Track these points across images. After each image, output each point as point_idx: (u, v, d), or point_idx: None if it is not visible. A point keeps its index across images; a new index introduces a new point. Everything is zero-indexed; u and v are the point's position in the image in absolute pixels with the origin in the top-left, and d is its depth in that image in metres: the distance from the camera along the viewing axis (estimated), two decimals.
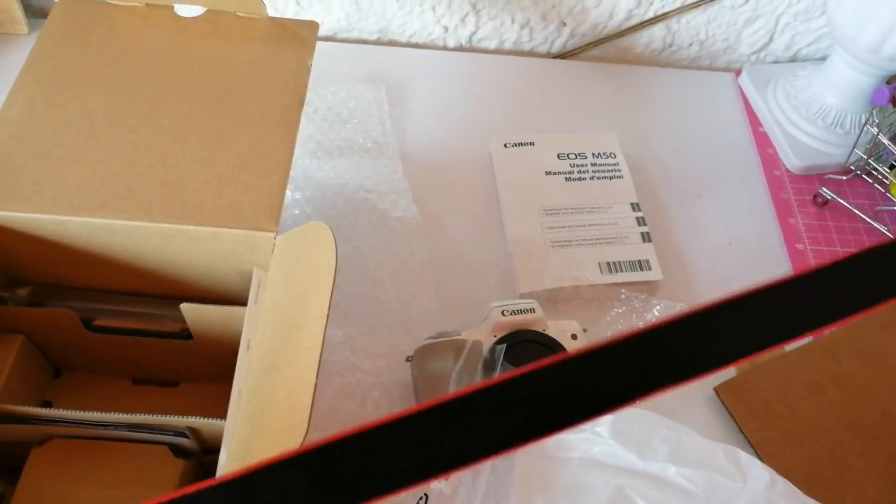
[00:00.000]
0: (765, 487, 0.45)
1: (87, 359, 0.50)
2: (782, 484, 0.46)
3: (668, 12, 0.76)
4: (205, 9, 0.51)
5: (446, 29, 0.78)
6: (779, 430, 0.55)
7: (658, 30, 0.78)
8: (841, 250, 0.66)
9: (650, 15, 0.76)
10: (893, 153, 0.62)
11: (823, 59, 0.78)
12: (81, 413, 0.40)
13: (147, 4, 0.51)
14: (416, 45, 0.79)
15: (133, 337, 0.47)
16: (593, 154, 0.66)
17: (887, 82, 0.71)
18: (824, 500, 0.46)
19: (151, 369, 0.51)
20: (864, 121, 0.65)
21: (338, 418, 0.52)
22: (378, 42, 0.79)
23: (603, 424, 0.48)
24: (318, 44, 0.51)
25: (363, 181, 0.65)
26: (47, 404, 0.51)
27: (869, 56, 0.65)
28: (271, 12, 0.74)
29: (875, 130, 0.62)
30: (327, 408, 0.52)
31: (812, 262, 0.65)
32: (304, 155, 0.66)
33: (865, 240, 0.67)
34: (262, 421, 0.34)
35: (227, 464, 0.35)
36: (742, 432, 0.55)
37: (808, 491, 0.47)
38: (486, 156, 0.69)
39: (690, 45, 0.80)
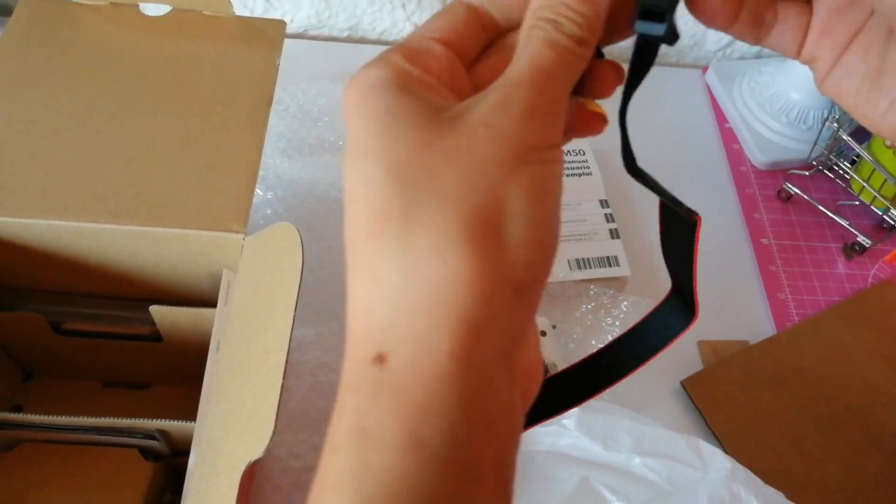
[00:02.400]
0: (725, 476, 0.47)
1: (57, 362, 0.50)
2: (742, 472, 0.47)
3: None
4: (171, 7, 0.51)
5: (416, 26, 0.78)
6: (743, 422, 0.56)
7: None
8: (804, 244, 0.67)
9: None
10: (854, 148, 0.64)
11: None
12: (51, 418, 0.40)
13: (112, 3, 0.50)
14: (386, 43, 0.79)
15: (103, 340, 0.47)
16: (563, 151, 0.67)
17: None
18: (787, 490, 0.48)
19: (122, 372, 0.51)
20: (826, 116, 0.67)
21: (309, 418, 0.52)
22: (348, 39, 0.79)
23: (569, 417, 0.49)
24: (288, 41, 0.51)
25: (334, 180, 0.65)
26: (17, 408, 0.51)
27: None
28: (241, 9, 0.74)
29: (836, 126, 0.64)
30: (299, 407, 0.52)
31: (776, 256, 0.66)
32: (275, 154, 0.66)
33: (828, 234, 0.68)
34: (230, 422, 0.35)
35: (197, 465, 0.35)
36: (708, 425, 0.56)
37: (772, 481, 0.48)
38: None
39: None
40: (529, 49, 0.20)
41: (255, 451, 0.31)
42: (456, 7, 0.23)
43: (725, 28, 0.24)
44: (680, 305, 0.34)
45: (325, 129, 0.69)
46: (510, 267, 0.19)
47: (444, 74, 0.21)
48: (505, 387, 0.19)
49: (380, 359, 0.19)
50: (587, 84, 0.24)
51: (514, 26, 0.23)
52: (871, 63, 0.24)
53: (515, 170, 0.19)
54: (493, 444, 0.19)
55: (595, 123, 0.25)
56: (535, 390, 0.24)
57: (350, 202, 0.20)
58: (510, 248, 0.19)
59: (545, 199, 0.20)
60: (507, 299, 0.19)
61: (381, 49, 0.75)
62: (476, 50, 0.23)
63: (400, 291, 0.19)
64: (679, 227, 0.29)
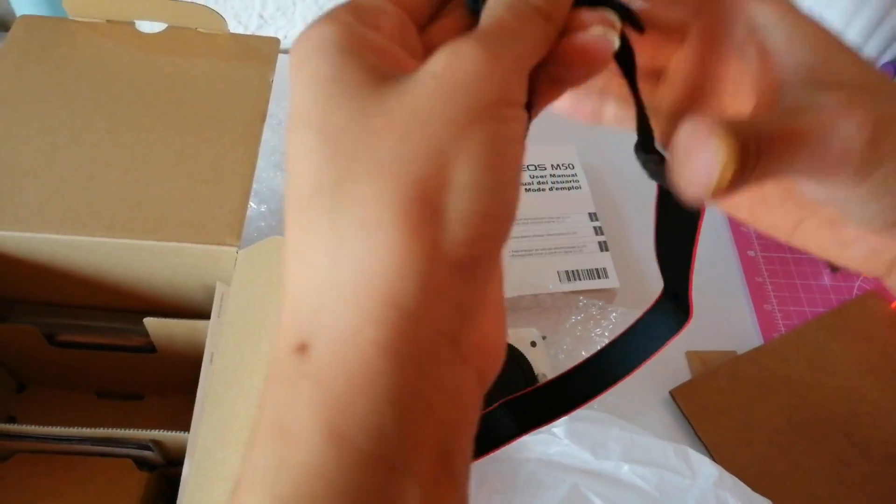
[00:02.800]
0: (713, 484, 0.47)
1: (51, 373, 0.51)
2: (729, 480, 0.48)
3: None
4: (166, 25, 0.52)
5: None
6: (731, 432, 0.57)
7: None
8: (790, 256, 0.68)
9: None
10: None
11: None
12: (45, 428, 0.41)
13: (108, 21, 0.51)
14: None
15: (97, 351, 0.48)
16: (552, 165, 0.68)
17: None
18: (775, 498, 0.48)
19: (116, 383, 0.52)
20: None
21: None
22: None
23: (559, 426, 0.49)
24: (282, 57, 0.52)
25: None
26: (11, 419, 0.51)
27: None
28: (235, 25, 0.75)
29: None
30: None
31: (763, 268, 0.67)
32: (268, 167, 0.67)
33: None
34: (224, 433, 0.35)
35: (191, 475, 0.36)
36: (696, 434, 0.57)
37: (760, 489, 0.49)
38: None
39: None
40: (490, 16, 0.19)
41: None
42: None
43: (596, 123, 0.25)
44: (672, 308, 0.33)
45: None
46: (451, 244, 0.17)
47: (396, 35, 0.20)
48: (449, 370, 0.18)
49: (301, 348, 0.17)
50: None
51: None
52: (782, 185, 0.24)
53: (465, 130, 0.17)
54: (432, 433, 0.18)
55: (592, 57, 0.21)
56: (495, 368, 0.21)
57: (288, 177, 0.18)
58: (451, 222, 0.17)
59: (497, 165, 0.17)
60: (449, 279, 0.17)
61: None
62: (429, 12, 0.21)
63: (327, 275, 0.17)
64: (679, 217, 0.28)
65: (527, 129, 0.19)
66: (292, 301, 0.18)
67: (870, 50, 0.64)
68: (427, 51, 0.20)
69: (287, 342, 0.18)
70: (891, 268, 0.23)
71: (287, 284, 0.18)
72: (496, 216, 0.18)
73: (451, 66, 0.17)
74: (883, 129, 0.19)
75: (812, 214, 0.24)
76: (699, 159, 0.18)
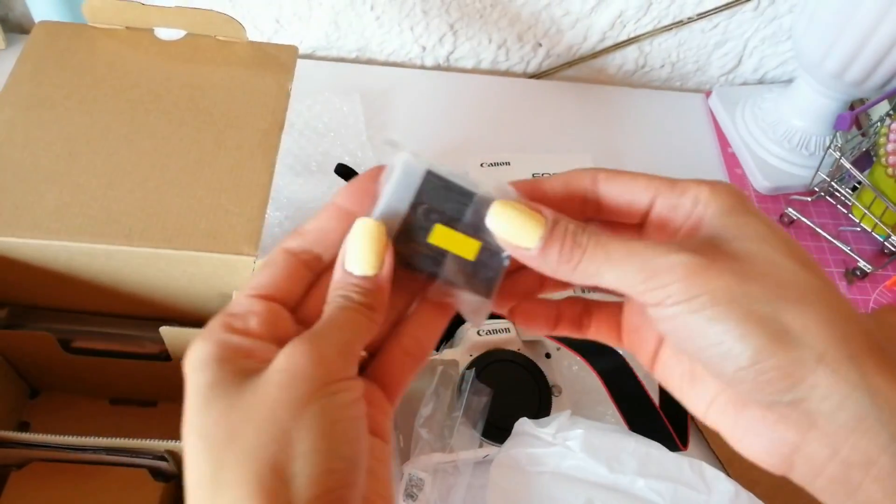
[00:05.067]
0: (729, 499, 0.47)
1: (65, 379, 0.51)
2: (745, 496, 0.47)
3: (640, 35, 0.78)
4: (185, 32, 0.52)
5: (424, 48, 0.79)
6: None
7: (631, 51, 0.80)
8: None
9: (623, 37, 0.78)
10: (855, 176, 0.65)
11: (790, 81, 0.80)
12: (60, 437, 0.41)
13: (127, 28, 0.51)
14: (394, 64, 0.80)
15: (111, 358, 0.48)
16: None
17: (850, 107, 0.73)
18: None
19: (129, 390, 0.51)
20: (828, 143, 0.67)
21: None
22: (357, 60, 0.80)
23: (574, 439, 0.49)
24: (297, 62, 0.52)
25: None
26: (24, 425, 0.51)
27: (833, 81, 0.67)
28: (251, 30, 0.75)
29: (837, 154, 0.64)
30: None
31: None
32: (284, 172, 0.67)
33: (829, 259, 0.69)
34: None
35: None
36: (711, 448, 0.56)
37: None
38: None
39: (662, 66, 0.82)
40: (326, 313, 0.24)
41: None
42: (276, 257, 0.25)
43: (549, 333, 0.29)
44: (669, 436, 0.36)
45: (332, 145, 0.70)
46: (303, 502, 0.21)
47: (265, 329, 0.24)
48: None
49: None
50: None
51: (335, 259, 0.25)
52: (685, 366, 0.26)
53: (303, 409, 0.21)
54: None
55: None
56: None
57: (185, 471, 0.22)
58: (299, 486, 0.21)
59: (334, 429, 0.22)
60: None
61: (388, 70, 0.75)
62: (302, 289, 0.25)
63: None
64: None
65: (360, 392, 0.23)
66: None
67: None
68: (304, 326, 0.24)
69: None
70: (792, 463, 0.23)
71: None
72: (337, 470, 0.21)
73: (288, 361, 0.22)
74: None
75: (722, 393, 0.25)
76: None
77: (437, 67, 0.81)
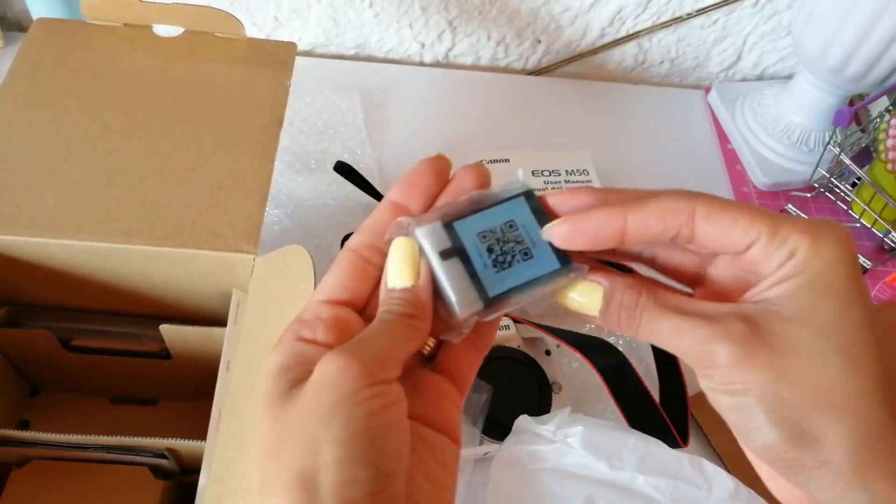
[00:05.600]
0: (729, 496, 0.47)
1: (65, 378, 0.51)
2: (746, 492, 0.47)
3: (639, 31, 0.78)
4: (183, 29, 0.52)
5: (423, 45, 0.79)
6: None
7: (630, 48, 0.80)
8: None
9: (623, 33, 0.78)
10: (855, 171, 0.65)
11: (790, 77, 0.80)
12: (61, 436, 0.41)
13: (126, 24, 0.51)
14: (393, 61, 0.80)
15: (111, 357, 0.48)
16: (567, 171, 0.68)
17: (850, 103, 0.73)
18: None
19: (129, 388, 0.51)
20: (827, 139, 0.67)
21: None
22: (355, 57, 0.80)
23: (575, 436, 0.49)
24: (296, 58, 0.52)
25: (344, 202, 0.65)
26: (24, 424, 0.51)
27: (832, 77, 0.67)
28: (250, 27, 0.75)
29: (837, 150, 0.64)
30: None
31: None
32: (282, 168, 0.67)
33: None
34: (242, 444, 0.35)
35: (208, 485, 0.35)
36: (711, 445, 0.56)
37: (775, 501, 0.48)
38: None
39: (661, 62, 0.82)
40: (371, 325, 0.25)
41: None
42: (341, 258, 0.27)
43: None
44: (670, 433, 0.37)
45: (331, 142, 0.70)
46: None
47: (333, 335, 0.25)
48: None
49: None
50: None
51: None
52: None
53: (331, 418, 0.22)
54: None
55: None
56: None
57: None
58: (323, 496, 0.21)
59: (357, 438, 0.22)
60: None
61: (387, 67, 0.75)
62: (370, 287, 0.27)
63: None
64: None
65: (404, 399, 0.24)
66: None
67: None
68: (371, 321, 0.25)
69: None
70: None
71: None
72: (360, 480, 0.22)
73: (320, 370, 0.23)
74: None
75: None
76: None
77: (436, 64, 0.81)
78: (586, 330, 0.60)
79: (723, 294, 0.26)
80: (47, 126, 0.46)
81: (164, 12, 0.51)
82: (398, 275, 0.26)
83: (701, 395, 0.59)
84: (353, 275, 0.26)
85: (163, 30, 0.52)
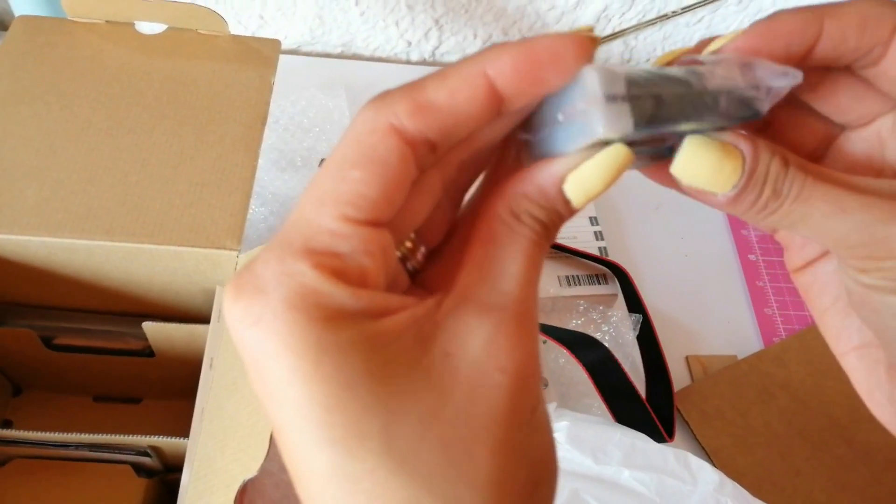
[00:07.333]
0: (714, 489, 0.47)
1: (48, 377, 0.50)
2: (730, 485, 0.48)
3: (625, 29, 0.78)
4: (166, 26, 0.51)
5: (409, 43, 0.79)
6: (732, 437, 0.57)
7: (616, 46, 0.80)
8: None
9: (608, 31, 0.78)
10: None
11: None
12: (43, 434, 0.40)
13: (108, 21, 0.51)
14: (379, 59, 0.80)
15: (94, 355, 0.47)
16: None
17: None
18: (776, 503, 0.48)
19: (113, 386, 0.51)
20: None
21: None
22: (342, 56, 0.80)
23: (560, 431, 0.49)
24: (282, 57, 0.52)
25: None
26: (7, 423, 0.51)
27: None
28: (235, 25, 0.75)
29: None
30: None
31: (763, 272, 0.67)
32: (268, 166, 0.66)
33: None
34: (224, 440, 0.35)
35: (191, 482, 0.35)
36: (697, 439, 0.57)
37: (760, 494, 0.48)
38: None
39: (647, 60, 0.82)
40: (519, 258, 0.17)
41: (250, 469, 0.31)
42: (384, 148, 0.17)
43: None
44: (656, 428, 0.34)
45: (317, 140, 0.70)
46: None
47: (371, 277, 0.16)
48: None
49: None
50: None
51: (458, 150, 0.19)
52: (842, 299, 0.22)
53: (507, 437, 0.16)
54: None
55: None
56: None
57: None
58: None
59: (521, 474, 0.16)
60: None
61: (374, 66, 0.75)
62: (406, 193, 0.17)
63: None
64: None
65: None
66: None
67: None
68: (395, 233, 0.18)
69: None
70: None
71: None
72: None
73: (506, 359, 0.17)
74: None
75: (876, 348, 0.22)
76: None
77: (423, 62, 0.81)
78: (572, 326, 0.60)
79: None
80: (28, 123, 0.46)
81: (146, 9, 0.51)
82: (591, 190, 0.18)
83: (687, 390, 0.59)
84: (400, 182, 0.17)
85: (145, 27, 0.51)
